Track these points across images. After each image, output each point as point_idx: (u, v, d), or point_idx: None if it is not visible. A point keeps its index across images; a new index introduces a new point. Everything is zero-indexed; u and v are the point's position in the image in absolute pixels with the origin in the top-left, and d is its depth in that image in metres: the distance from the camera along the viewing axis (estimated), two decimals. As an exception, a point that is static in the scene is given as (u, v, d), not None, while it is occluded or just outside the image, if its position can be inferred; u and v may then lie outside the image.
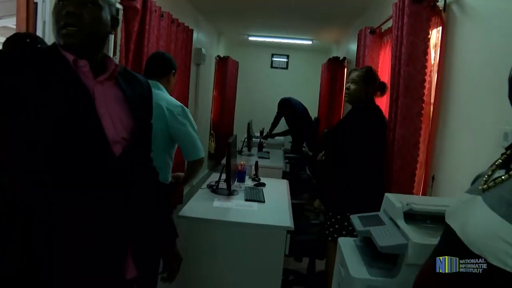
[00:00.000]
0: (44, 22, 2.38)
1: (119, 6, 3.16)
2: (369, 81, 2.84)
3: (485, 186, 1.00)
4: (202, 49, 6.56)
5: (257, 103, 9.87)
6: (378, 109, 2.90)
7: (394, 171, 2.62)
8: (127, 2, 3.22)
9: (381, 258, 1.67)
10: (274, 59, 10.45)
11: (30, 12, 2.37)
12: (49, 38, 2.39)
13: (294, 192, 4.52)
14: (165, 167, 2.56)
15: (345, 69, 6.35)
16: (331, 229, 2.90)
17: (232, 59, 8.88)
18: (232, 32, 8.92)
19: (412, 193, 2.60)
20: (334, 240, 2.74)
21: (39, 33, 2.37)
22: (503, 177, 0.96)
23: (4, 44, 1.90)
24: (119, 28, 3.22)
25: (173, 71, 2.69)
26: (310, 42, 8.61)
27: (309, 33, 7.91)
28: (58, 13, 1.27)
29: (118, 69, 1.41)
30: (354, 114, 2.87)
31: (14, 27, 3.60)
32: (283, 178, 4.75)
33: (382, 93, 2.96)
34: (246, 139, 6.17)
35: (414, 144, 2.56)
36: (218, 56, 8.33)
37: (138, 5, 3.28)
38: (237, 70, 9.76)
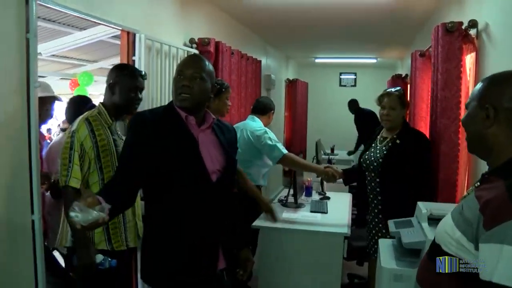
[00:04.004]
0: (140, 75, 3.04)
1: (195, 51, 3.78)
2: (405, 103, 2.94)
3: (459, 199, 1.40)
4: (272, 75, 7.03)
5: (327, 121, 10.16)
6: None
7: (438, 183, 2.91)
8: (202, 47, 3.84)
9: (410, 254, 2.05)
10: (342, 77, 10.72)
11: (130, 68, 3.05)
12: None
13: (359, 203, 4.86)
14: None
15: (408, 86, 6.55)
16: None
17: (301, 80, 9.28)
18: (299, 55, 9.34)
19: (455, 202, 2.82)
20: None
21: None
22: (466, 193, 1.35)
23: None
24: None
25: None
26: (374, 61, 8.86)
27: (373, 52, 8.17)
28: (177, 83, 1.86)
29: (214, 121, 1.96)
30: (414, 139, 2.89)
31: (109, 67, 4.54)
32: (349, 191, 5.10)
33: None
34: (314, 157, 6.62)
35: (454, 158, 2.84)
36: (288, 79, 8.74)
37: (212, 49, 3.89)
38: (307, 91, 10.14)
